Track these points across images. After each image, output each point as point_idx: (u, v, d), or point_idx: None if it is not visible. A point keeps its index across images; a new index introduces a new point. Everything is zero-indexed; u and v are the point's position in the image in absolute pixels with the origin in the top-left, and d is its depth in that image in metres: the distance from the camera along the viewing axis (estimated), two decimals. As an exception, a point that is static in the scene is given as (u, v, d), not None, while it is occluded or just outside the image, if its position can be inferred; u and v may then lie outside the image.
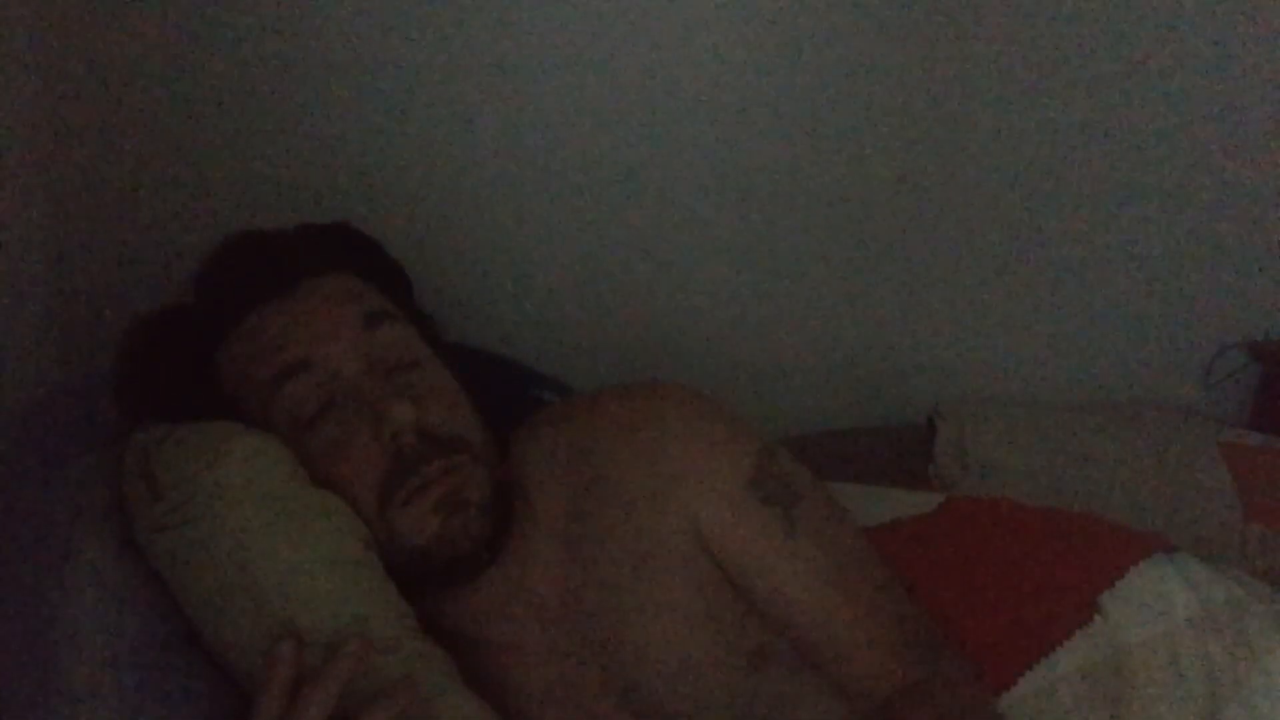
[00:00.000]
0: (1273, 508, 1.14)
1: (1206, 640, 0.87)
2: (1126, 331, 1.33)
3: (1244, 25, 1.21)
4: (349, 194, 1.19)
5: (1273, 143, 1.26)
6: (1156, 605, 0.89)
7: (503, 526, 0.83)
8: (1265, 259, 1.31)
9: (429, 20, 1.14)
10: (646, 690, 0.81)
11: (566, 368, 1.13)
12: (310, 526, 0.76)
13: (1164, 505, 1.15)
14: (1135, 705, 0.85)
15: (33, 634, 0.73)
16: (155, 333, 0.85)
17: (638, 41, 1.17)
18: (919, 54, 1.20)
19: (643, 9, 1.16)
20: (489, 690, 0.80)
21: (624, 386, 0.89)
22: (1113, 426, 1.25)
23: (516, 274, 1.25)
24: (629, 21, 1.16)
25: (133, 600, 0.76)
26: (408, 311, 0.89)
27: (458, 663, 0.79)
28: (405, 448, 0.78)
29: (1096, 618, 0.89)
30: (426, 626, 0.80)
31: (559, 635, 0.82)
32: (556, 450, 0.87)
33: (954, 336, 1.32)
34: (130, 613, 0.75)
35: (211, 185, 1.17)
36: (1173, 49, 1.22)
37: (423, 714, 0.72)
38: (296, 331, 0.81)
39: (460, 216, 1.22)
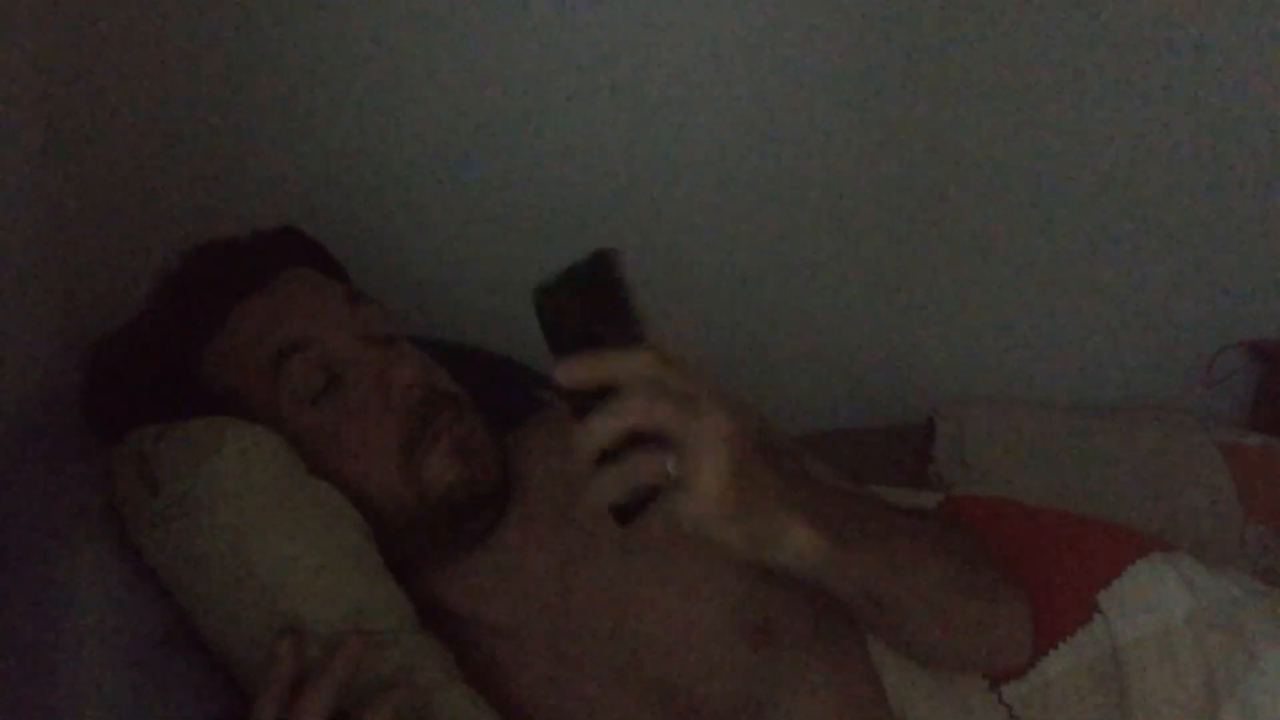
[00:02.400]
0: (1273, 508, 1.14)
1: (1204, 639, 0.87)
2: (1126, 331, 1.33)
3: (1243, 26, 1.21)
4: (348, 194, 1.19)
5: (1272, 143, 1.26)
6: (1154, 604, 0.89)
7: (507, 475, 0.85)
8: (1265, 259, 1.31)
9: (427, 22, 1.15)
10: (648, 665, 0.81)
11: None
12: (309, 518, 0.76)
13: (1164, 505, 1.15)
14: (1133, 705, 0.85)
15: (33, 634, 0.73)
16: (130, 348, 0.86)
17: (644, 38, 1.17)
18: (922, 55, 1.20)
19: (649, 5, 1.17)
20: (488, 679, 0.80)
21: None
22: (1113, 426, 1.24)
23: (517, 273, 1.24)
24: (635, 18, 1.17)
25: (132, 599, 0.76)
26: None
27: (456, 651, 0.80)
28: (417, 404, 0.81)
29: (1095, 617, 0.89)
30: (424, 614, 0.81)
31: (557, 618, 0.83)
32: (552, 441, 0.89)
33: (954, 336, 1.32)
34: (130, 612, 0.75)
35: (212, 187, 1.17)
36: (1173, 49, 1.22)
37: (421, 709, 0.73)
38: (287, 314, 0.83)
39: (461, 215, 1.22)
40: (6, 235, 1.02)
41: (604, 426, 0.59)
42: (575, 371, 0.61)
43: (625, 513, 0.62)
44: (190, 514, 0.74)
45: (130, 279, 1.12)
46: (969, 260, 1.29)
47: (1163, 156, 1.26)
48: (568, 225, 1.23)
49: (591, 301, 0.61)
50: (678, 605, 0.82)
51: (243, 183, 1.18)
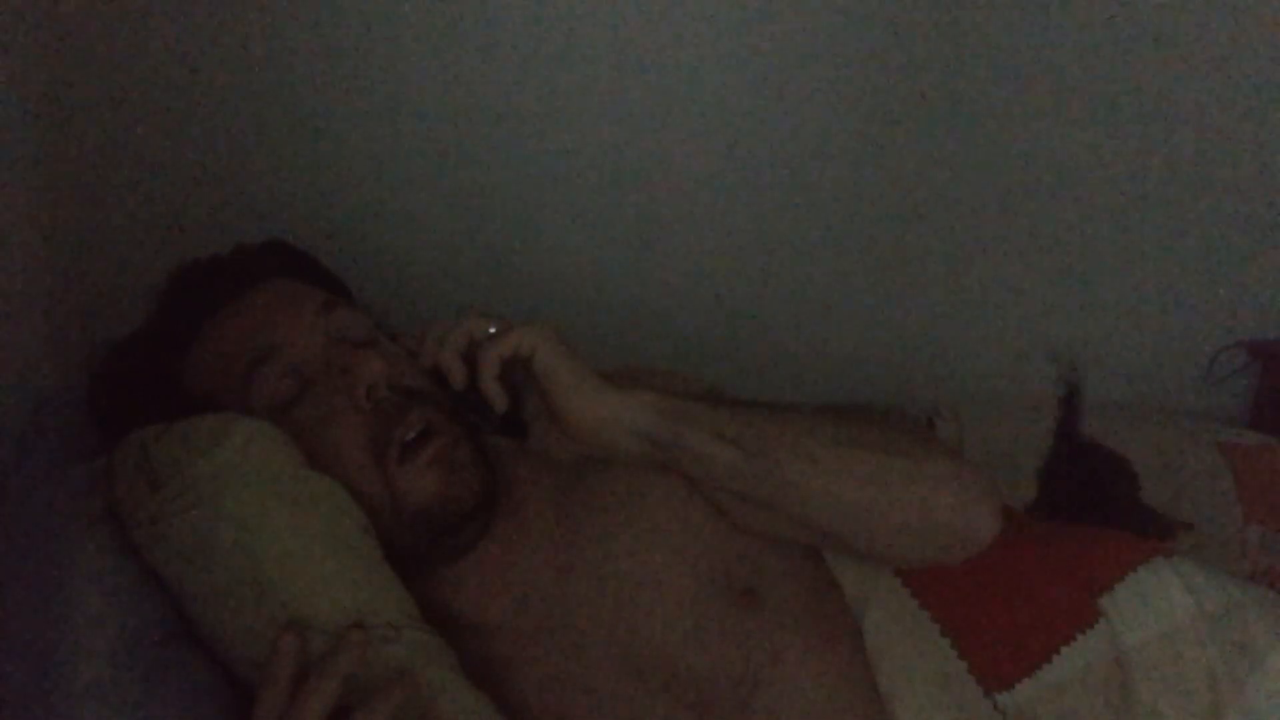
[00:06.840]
0: (1273, 508, 1.14)
1: (1207, 643, 0.86)
2: (1127, 331, 1.33)
3: (1244, 25, 1.21)
4: (345, 196, 1.19)
5: (1273, 142, 1.26)
6: (1157, 608, 0.88)
7: (493, 491, 0.84)
8: (1265, 259, 1.31)
9: (425, 26, 1.15)
10: (648, 641, 0.82)
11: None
12: (311, 510, 0.76)
13: (1164, 506, 1.15)
14: (1137, 709, 0.85)
15: (34, 634, 0.73)
16: (122, 362, 0.88)
17: (643, 38, 1.17)
18: (926, 54, 1.20)
19: (649, 6, 1.17)
20: (491, 679, 0.80)
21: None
22: (1113, 426, 1.24)
23: (516, 269, 1.25)
24: (635, 17, 1.17)
25: (133, 598, 0.76)
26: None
27: (457, 649, 0.80)
28: (383, 402, 0.80)
29: (1098, 621, 0.89)
30: (425, 614, 0.81)
31: (558, 613, 0.83)
32: (544, 435, 0.89)
33: (954, 336, 1.32)
34: (131, 611, 0.75)
35: (213, 190, 1.17)
36: (1173, 49, 1.22)
37: (423, 706, 0.72)
38: (257, 323, 0.84)
39: (460, 216, 1.22)
40: (7, 237, 1.02)
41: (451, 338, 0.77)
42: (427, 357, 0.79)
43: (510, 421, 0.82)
44: (192, 508, 0.74)
45: (130, 281, 1.12)
46: (969, 260, 1.29)
47: (1163, 156, 1.26)
48: (570, 221, 1.24)
49: None
50: (667, 568, 0.84)
51: (241, 186, 1.18)
